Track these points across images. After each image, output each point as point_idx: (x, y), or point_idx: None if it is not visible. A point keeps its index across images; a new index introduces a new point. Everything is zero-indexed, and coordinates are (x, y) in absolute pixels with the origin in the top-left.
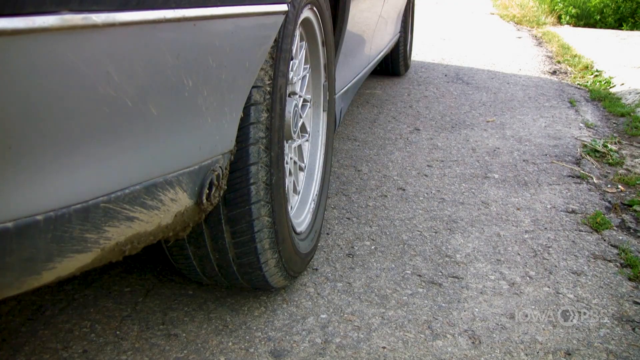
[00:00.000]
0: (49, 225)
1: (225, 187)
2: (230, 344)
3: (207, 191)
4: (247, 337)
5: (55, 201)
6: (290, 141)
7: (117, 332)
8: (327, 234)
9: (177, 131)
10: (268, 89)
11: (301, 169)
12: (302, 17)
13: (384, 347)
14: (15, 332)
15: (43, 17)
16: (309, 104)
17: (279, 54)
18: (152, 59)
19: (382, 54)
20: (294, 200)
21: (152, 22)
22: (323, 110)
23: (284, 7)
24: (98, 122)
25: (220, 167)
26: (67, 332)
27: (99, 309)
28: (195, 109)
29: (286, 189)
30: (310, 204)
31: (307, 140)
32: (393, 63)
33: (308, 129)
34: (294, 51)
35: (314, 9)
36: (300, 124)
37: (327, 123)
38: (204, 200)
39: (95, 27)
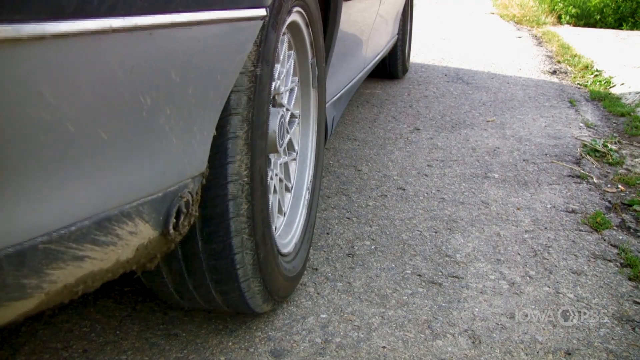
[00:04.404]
0: None
1: (197, 213)
2: (230, 343)
3: (175, 220)
4: (247, 336)
5: None
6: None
7: (117, 332)
8: (327, 233)
9: (134, 156)
10: (246, 179)
11: (293, 159)
12: (287, 21)
13: (384, 347)
14: (15, 332)
15: None
16: (296, 86)
17: (255, 132)
18: (97, 75)
19: (378, 57)
20: (286, 200)
21: (95, 32)
22: (312, 87)
23: (261, 12)
24: (31, 152)
25: (189, 192)
26: (67, 331)
27: (99, 309)
28: (157, 130)
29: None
30: (305, 195)
31: (297, 124)
32: (391, 66)
33: (297, 113)
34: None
35: (301, 10)
36: (287, 125)
37: (317, 99)
38: (171, 230)
39: (18, 40)
